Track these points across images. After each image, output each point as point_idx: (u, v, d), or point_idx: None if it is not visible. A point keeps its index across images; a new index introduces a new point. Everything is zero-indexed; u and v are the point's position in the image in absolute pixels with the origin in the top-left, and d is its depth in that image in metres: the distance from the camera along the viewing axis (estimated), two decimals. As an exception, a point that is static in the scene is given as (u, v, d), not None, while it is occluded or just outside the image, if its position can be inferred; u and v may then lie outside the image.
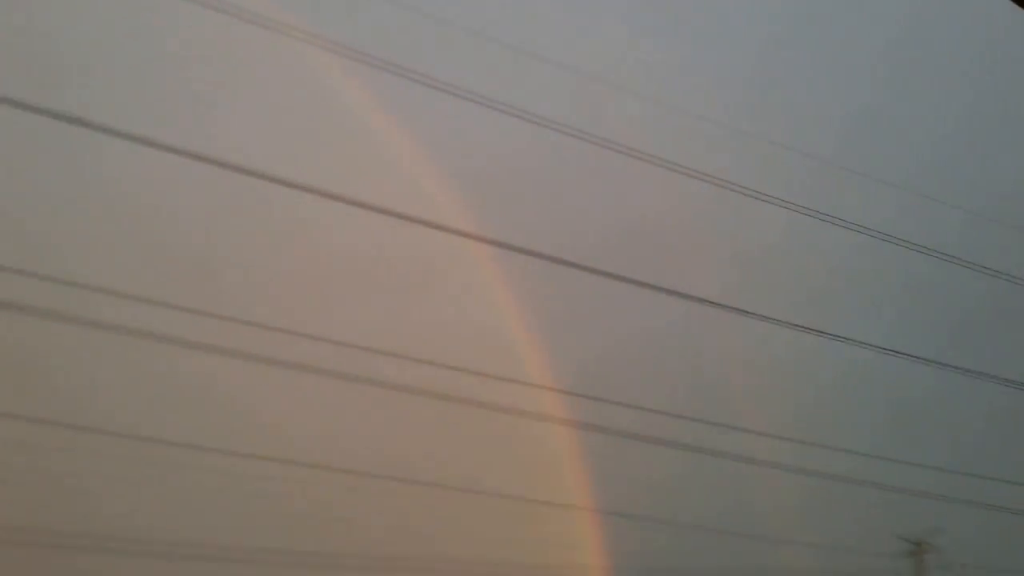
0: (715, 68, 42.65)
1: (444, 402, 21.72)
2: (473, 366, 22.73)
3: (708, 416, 25.83)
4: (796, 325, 21.68)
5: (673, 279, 20.94)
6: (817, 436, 30.59)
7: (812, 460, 28.54)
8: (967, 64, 47.10)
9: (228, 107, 30.29)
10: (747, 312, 21.16)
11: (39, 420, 21.81)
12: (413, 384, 21.41)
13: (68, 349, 23.16)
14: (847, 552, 45.74)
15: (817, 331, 22.02)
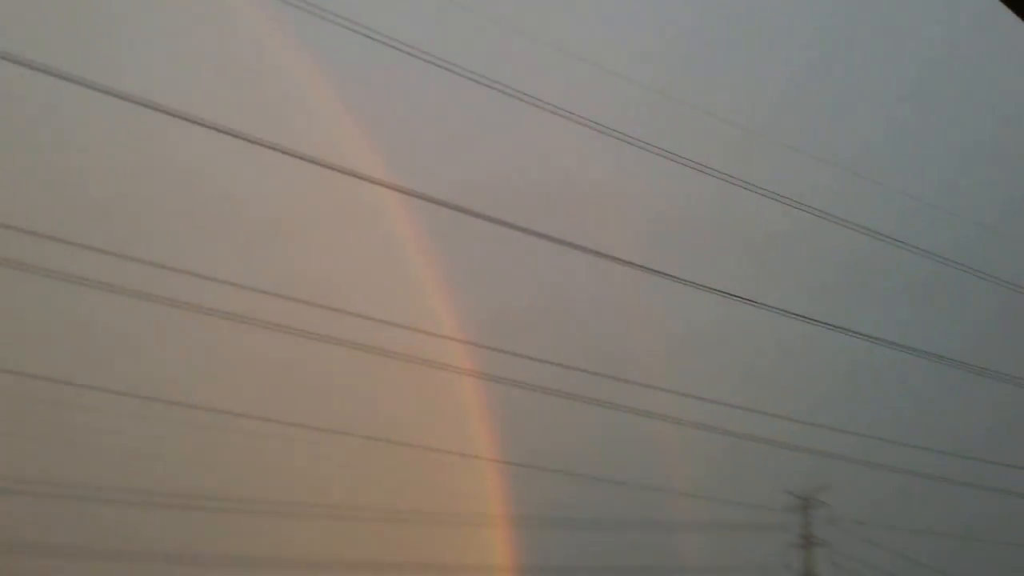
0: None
1: (348, 349, 21.49)
2: (379, 314, 22.53)
3: (610, 371, 26.17)
4: (699, 285, 21.97)
5: (587, 237, 21.04)
6: (712, 392, 31.32)
7: (706, 416, 29.20)
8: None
9: (130, 38, 29.09)
10: (657, 271, 21.38)
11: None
12: (317, 330, 21.09)
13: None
14: (738, 505, 47.28)
15: (719, 291, 22.37)
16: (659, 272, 21.40)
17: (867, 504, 51.46)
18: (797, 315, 23.24)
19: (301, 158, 15.55)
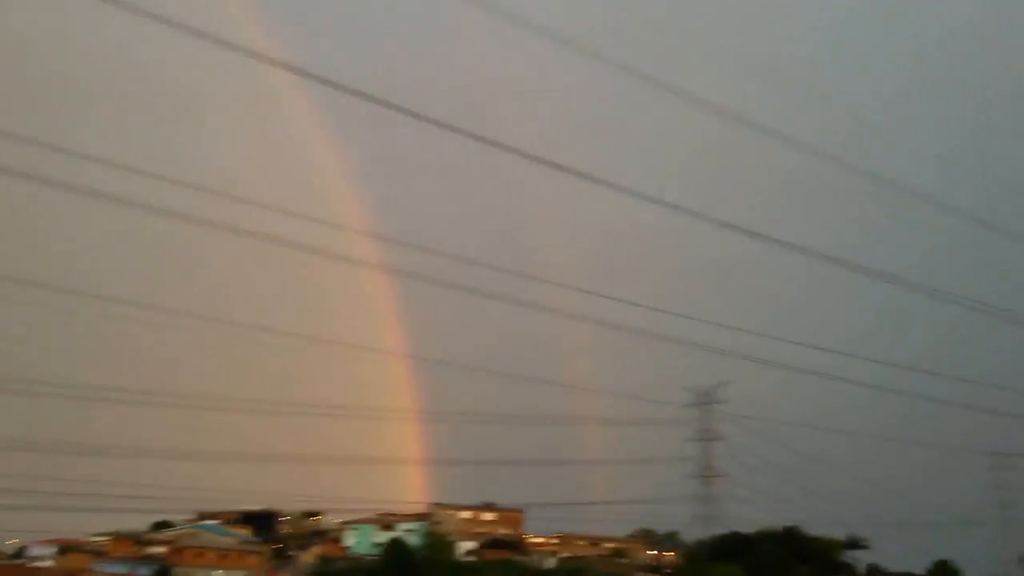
0: None
1: (248, 239, 21.06)
2: (283, 203, 22.10)
3: (519, 268, 26.29)
4: (609, 183, 22.10)
5: (501, 133, 20.85)
6: (617, 291, 31.75)
7: (610, 313, 29.72)
8: None
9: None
10: (568, 169, 21.40)
11: None
12: (214, 218, 20.54)
13: None
14: (640, 401, 48.61)
15: (628, 190, 22.58)
16: (570, 169, 21.50)
17: (764, 400, 53.31)
18: (700, 215, 23.65)
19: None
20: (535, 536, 60.82)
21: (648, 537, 65.25)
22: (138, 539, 49.66)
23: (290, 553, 54.72)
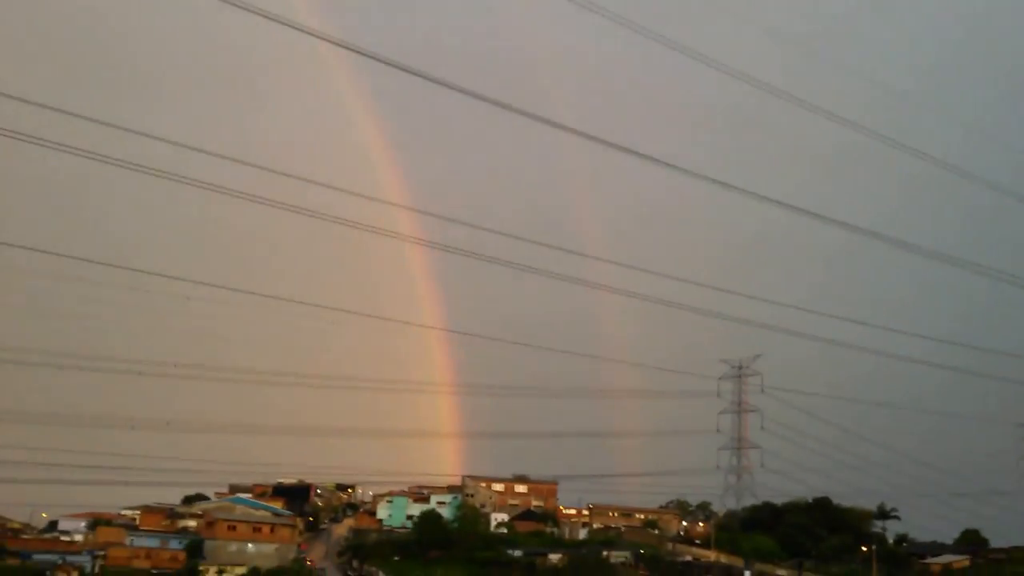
0: None
1: (287, 213, 20.46)
2: (325, 178, 21.56)
3: (555, 241, 25.73)
4: (654, 159, 21.55)
5: (540, 106, 20.22)
6: (653, 264, 31.22)
7: (646, 286, 29.23)
8: None
9: None
10: (608, 143, 20.80)
11: None
12: (255, 192, 19.93)
13: None
14: (677, 374, 48.12)
15: (677, 167, 22.11)
16: (610, 143, 20.88)
17: (796, 373, 52.69)
18: (737, 187, 23.17)
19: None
20: (568, 508, 60.66)
21: (681, 508, 64.97)
22: (170, 512, 49.52)
23: (323, 526, 54.65)
